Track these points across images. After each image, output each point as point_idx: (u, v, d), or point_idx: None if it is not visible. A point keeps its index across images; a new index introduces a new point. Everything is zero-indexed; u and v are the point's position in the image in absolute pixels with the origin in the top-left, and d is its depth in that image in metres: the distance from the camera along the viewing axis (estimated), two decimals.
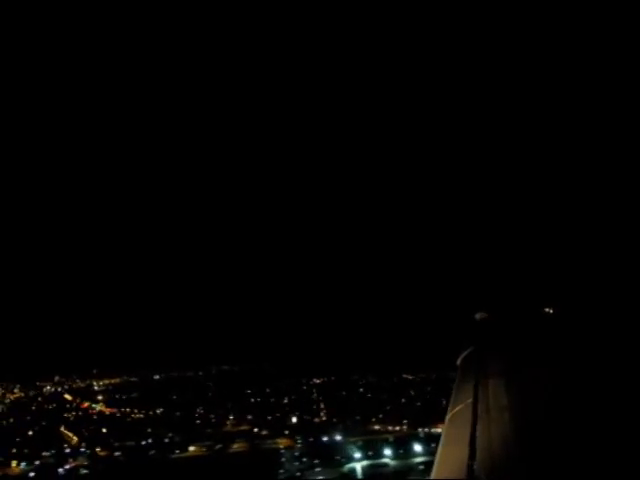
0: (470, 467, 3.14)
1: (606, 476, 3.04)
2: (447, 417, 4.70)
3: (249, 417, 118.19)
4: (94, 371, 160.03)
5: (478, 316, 8.05)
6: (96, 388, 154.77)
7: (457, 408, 4.72)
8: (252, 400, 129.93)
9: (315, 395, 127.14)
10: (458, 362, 6.55)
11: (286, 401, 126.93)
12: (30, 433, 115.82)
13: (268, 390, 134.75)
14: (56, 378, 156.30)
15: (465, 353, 6.65)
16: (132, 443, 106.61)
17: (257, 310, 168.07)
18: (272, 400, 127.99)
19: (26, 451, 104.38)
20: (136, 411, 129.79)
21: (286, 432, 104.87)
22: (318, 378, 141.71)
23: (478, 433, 3.69)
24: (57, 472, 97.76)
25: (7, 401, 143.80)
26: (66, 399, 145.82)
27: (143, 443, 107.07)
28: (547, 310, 8.01)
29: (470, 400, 4.51)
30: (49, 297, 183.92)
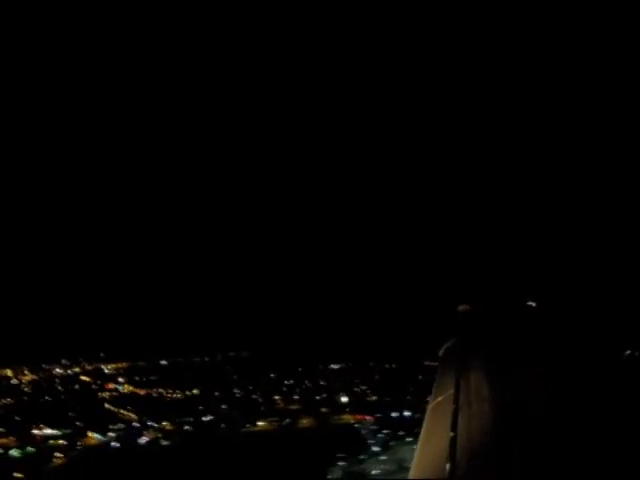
0: (451, 465, 3.09)
1: (588, 469, 3.01)
2: (428, 408, 4.81)
3: (295, 397, 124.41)
4: (101, 355, 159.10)
5: (461, 308, 8.63)
6: (107, 371, 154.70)
7: (438, 399, 4.83)
8: (286, 382, 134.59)
9: (348, 378, 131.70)
10: (440, 353, 6.84)
11: (323, 383, 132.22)
12: (80, 410, 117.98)
13: (294, 374, 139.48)
14: (63, 361, 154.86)
15: (447, 345, 6.95)
16: (191, 419, 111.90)
17: (258, 298, 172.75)
18: (307, 382, 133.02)
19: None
20: (170, 392, 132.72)
21: (347, 409, 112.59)
22: (335, 364, 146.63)
23: (459, 425, 3.71)
24: (138, 443, 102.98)
25: (24, 382, 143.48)
26: (85, 380, 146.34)
27: (204, 419, 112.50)
28: (530, 303, 8.46)
29: (451, 391, 4.59)
30: (53, 280, 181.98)
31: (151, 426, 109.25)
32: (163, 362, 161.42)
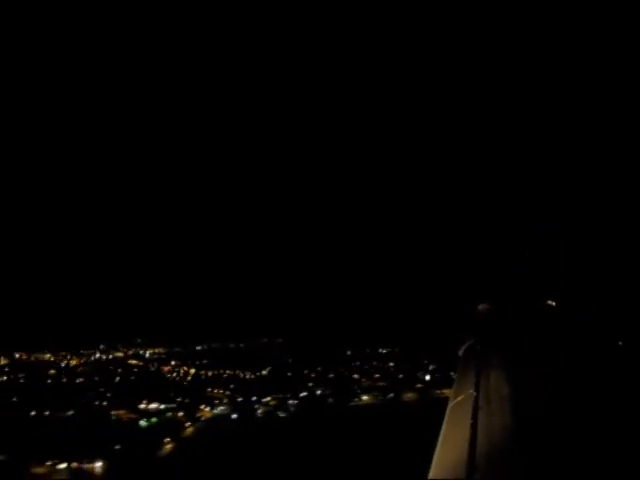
0: (470, 465, 3.11)
1: (608, 470, 3.01)
2: (448, 407, 4.76)
3: (376, 375, 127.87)
4: (138, 340, 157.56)
5: (480, 307, 8.88)
6: (147, 356, 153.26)
7: (458, 399, 4.79)
8: (352, 364, 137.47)
9: (414, 359, 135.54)
10: (460, 353, 6.86)
11: (392, 364, 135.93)
12: (167, 388, 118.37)
13: (349, 357, 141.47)
14: (101, 346, 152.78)
15: (467, 344, 6.99)
16: (288, 394, 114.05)
17: (286, 289, 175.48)
18: (374, 364, 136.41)
19: (187, 401, 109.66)
20: (240, 372, 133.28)
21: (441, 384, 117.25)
22: (383, 348, 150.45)
23: (479, 425, 3.73)
24: (255, 414, 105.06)
25: (74, 365, 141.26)
26: (136, 364, 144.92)
27: (301, 395, 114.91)
28: (549, 302, 8.69)
29: (472, 391, 4.63)
30: (89, 266, 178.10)
31: (256, 401, 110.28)
32: (198, 347, 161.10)
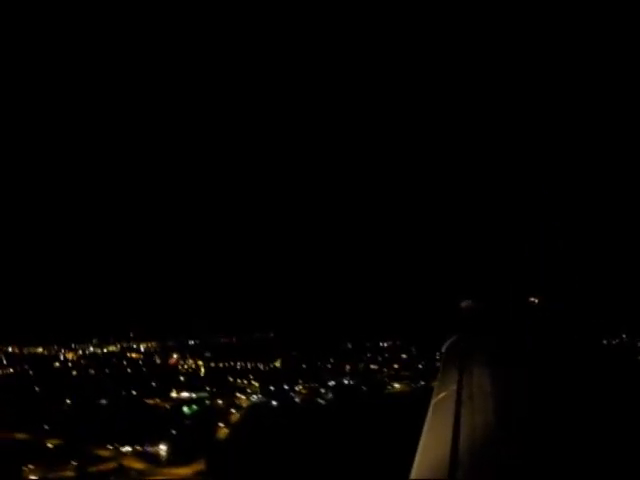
0: (452, 464, 3.05)
1: (592, 467, 3.00)
2: (431, 404, 4.69)
3: (395, 366, 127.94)
4: (131, 334, 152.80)
5: (464, 304, 8.87)
6: (143, 349, 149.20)
7: (441, 395, 4.73)
8: (364, 356, 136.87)
9: (424, 351, 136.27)
10: (443, 349, 6.81)
11: (404, 356, 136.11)
12: (188, 378, 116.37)
13: (355, 350, 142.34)
14: (94, 340, 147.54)
15: (450, 341, 6.92)
16: (316, 385, 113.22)
17: (277, 284, 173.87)
18: (386, 355, 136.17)
19: (215, 390, 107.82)
20: (251, 364, 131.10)
21: None
22: (383, 342, 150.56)
23: (462, 422, 3.69)
24: (295, 402, 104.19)
25: (73, 359, 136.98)
26: (137, 357, 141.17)
27: (331, 384, 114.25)
28: (532, 300, 8.79)
29: (454, 388, 4.57)
30: (81, 259, 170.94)
31: (289, 389, 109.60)
32: (191, 342, 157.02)
